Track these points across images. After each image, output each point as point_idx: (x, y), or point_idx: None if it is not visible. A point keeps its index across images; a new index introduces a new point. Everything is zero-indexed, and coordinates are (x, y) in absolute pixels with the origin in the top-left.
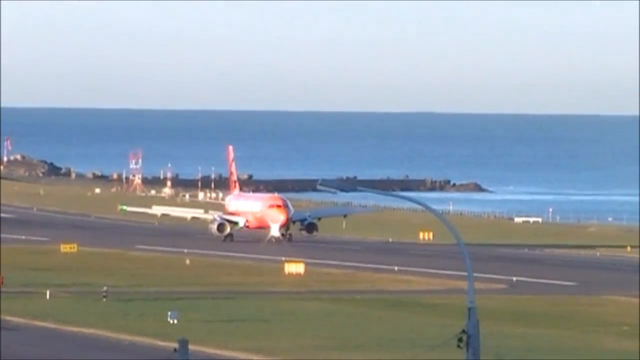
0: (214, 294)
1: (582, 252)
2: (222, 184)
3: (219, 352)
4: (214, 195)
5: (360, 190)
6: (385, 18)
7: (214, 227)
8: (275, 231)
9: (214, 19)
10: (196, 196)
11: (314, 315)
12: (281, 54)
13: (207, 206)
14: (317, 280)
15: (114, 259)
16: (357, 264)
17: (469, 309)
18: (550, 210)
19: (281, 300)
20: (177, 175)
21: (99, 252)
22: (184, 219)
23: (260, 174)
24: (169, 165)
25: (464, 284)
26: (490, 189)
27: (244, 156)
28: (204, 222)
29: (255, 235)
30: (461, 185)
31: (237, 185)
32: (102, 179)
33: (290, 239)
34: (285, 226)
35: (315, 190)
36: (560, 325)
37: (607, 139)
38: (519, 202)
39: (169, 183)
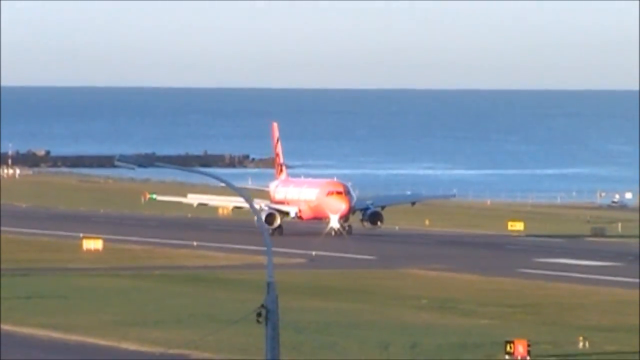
0: (11, 271)
1: (384, 226)
2: (20, 159)
3: (17, 329)
4: (10, 171)
5: (159, 166)
6: None
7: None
8: (335, 222)
9: None
10: None
11: (112, 292)
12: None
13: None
14: (116, 257)
15: None
16: (156, 240)
17: (268, 284)
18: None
19: (79, 276)
20: None
21: None
22: (224, 209)
23: (58, 150)
24: None
25: (263, 259)
26: (291, 163)
27: (43, 132)
28: (244, 213)
29: (309, 228)
30: (260, 160)
31: (283, 168)
32: None
33: (350, 232)
34: (346, 217)
35: (113, 166)
36: (360, 299)
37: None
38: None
39: None
